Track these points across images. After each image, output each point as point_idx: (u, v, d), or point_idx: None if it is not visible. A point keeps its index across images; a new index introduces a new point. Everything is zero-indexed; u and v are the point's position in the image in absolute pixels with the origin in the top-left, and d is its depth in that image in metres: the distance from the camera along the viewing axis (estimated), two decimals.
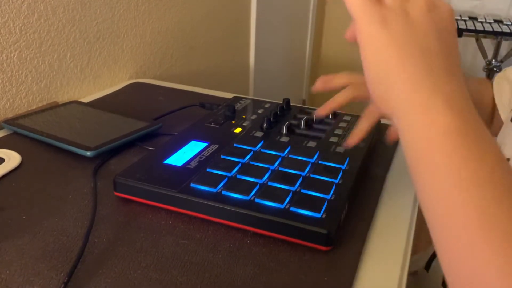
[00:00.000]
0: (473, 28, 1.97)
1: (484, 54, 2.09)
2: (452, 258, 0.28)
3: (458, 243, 0.27)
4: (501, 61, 2.08)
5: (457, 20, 2.04)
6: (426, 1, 0.32)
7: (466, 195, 0.27)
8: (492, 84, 0.68)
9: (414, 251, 0.50)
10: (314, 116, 0.59)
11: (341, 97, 0.57)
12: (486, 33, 1.97)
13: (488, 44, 2.10)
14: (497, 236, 0.26)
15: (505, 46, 2.08)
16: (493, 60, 2.07)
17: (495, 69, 2.07)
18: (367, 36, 0.32)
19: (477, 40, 2.07)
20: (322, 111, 0.58)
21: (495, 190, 0.27)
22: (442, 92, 0.29)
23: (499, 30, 1.95)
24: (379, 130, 0.71)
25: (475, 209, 0.27)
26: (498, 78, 0.68)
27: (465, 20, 2.04)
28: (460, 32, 1.98)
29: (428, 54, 0.30)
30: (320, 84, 0.58)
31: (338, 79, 0.58)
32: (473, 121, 0.29)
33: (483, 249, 0.26)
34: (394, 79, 0.30)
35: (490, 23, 2.02)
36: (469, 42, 2.21)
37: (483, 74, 2.11)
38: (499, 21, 2.04)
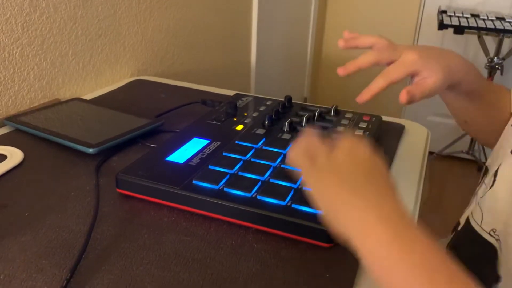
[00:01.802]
0: (475, 25, 1.96)
1: (486, 52, 2.08)
2: None
3: None
4: (503, 59, 2.07)
5: (459, 17, 2.04)
6: (346, 148, 0.41)
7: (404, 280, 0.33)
8: (505, 91, 0.68)
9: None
10: (338, 71, 0.57)
11: (364, 59, 0.56)
12: (488, 30, 1.96)
13: (490, 41, 2.09)
14: None
15: (507, 43, 2.08)
16: (495, 58, 2.06)
17: (497, 66, 2.06)
18: (312, 188, 0.40)
19: (479, 37, 2.06)
20: (342, 70, 0.56)
21: (426, 271, 0.33)
22: (372, 212, 0.36)
23: (501, 27, 1.95)
24: (381, 127, 0.71)
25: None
26: None
27: (467, 18, 2.04)
28: (462, 30, 1.98)
29: (358, 186, 0.38)
30: (343, 42, 0.58)
31: (363, 39, 0.58)
32: (402, 226, 0.35)
33: None
34: (338, 210, 0.37)
35: (492, 20, 2.02)
36: (471, 39, 2.21)
37: (484, 72, 2.10)
38: (501, 18, 2.04)
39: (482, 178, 0.63)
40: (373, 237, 0.35)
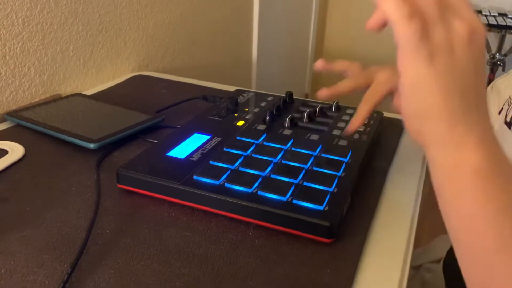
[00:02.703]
0: None
1: (488, 48, 2.08)
2: (473, 274, 0.33)
3: (479, 262, 0.32)
4: (505, 55, 2.06)
5: None
6: (468, 30, 0.32)
7: (489, 222, 0.31)
8: None
9: (417, 245, 0.50)
10: (318, 95, 0.59)
11: (343, 86, 0.58)
12: (490, 26, 1.96)
13: (492, 37, 2.08)
14: None
15: (509, 39, 2.07)
16: (497, 54, 2.06)
17: (499, 63, 2.06)
18: (412, 72, 0.33)
19: None
20: (323, 92, 0.58)
21: None
22: (476, 131, 0.31)
23: (504, 23, 1.94)
24: (382, 123, 0.71)
25: (496, 234, 0.31)
26: (489, 89, 0.68)
27: None
28: None
29: (466, 93, 0.32)
30: (320, 63, 0.60)
31: (337, 65, 0.60)
32: (500, 159, 0.32)
33: (500, 267, 0.31)
34: (433, 115, 0.32)
35: (494, 16, 2.01)
36: None
37: (487, 68, 2.10)
38: (503, 15, 2.03)
39: None
40: (464, 157, 0.31)
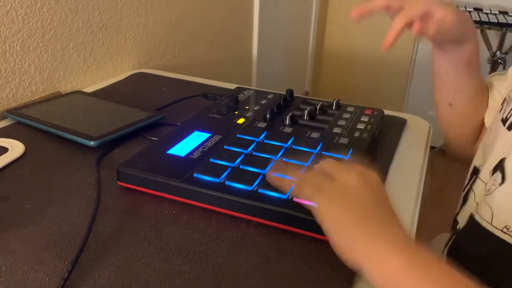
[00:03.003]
0: (478, 19, 1.95)
1: (488, 46, 2.07)
2: None
3: None
4: (506, 53, 2.06)
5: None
6: (356, 172, 0.40)
7: None
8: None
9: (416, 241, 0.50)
10: (351, 14, 0.58)
11: (376, 3, 0.58)
12: (491, 24, 1.95)
13: (493, 35, 2.08)
14: None
15: (510, 37, 2.07)
16: (498, 52, 2.05)
17: (499, 61, 2.05)
18: (324, 216, 0.39)
19: (481, 31, 2.05)
20: (355, 11, 0.58)
21: None
22: (386, 240, 0.36)
23: (504, 21, 1.94)
24: (383, 121, 0.71)
25: None
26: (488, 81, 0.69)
27: (469, 11, 2.03)
28: None
29: (370, 214, 0.38)
30: (355, 12, 0.59)
31: (376, 1, 0.59)
32: (415, 252, 0.36)
33: None
34: (351, 240, 0.38)
35: (495, 14, 2.01)
36: None
37: (487, 66, 2.10)
38: (504, 13, 2.03)
39: (472, 178, 0.63)
40: (387, 267, 0.36)
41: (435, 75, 0.68)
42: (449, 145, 0.76)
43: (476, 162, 0.64)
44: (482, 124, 0.68)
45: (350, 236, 0.38)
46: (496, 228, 0.54)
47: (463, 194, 0.65)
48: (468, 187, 0.64)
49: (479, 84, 0.67)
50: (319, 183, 0.41)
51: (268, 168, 0.52)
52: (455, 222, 0.65)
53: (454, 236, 0.64)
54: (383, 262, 0.36)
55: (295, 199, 0.45)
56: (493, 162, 0.57)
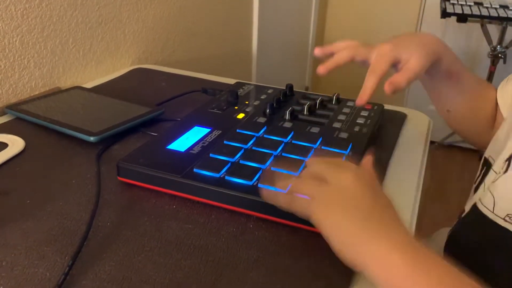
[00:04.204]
0: (478, 13, 1.95)
1: (489, 40, 2.07)
2: None
3: None
4: (506, 47, 2.05)
5: (462, 5, 2.02)
6: (348, 172, 0.41)
7: None
8: (490, 86, 0.69)
9: (416, 238, 0.50)
10: (318, 71, 0.59)
11: (340, 57, 0.59)
12: (491, 18, 1.95)
13: (493, 29, 2.07)
14: None
15: (510, 32, 2.06)
16: (498, 46, 2.05)
17: (500, 55, 2.05)
18: (321, 223, 0.39)
19: (482, 25, 2.04)
20: (322, 68, 0.58)
21: None
22: (387, 240, 0.37)
23: (505, 15, 1.93)
24: (382, 115, 0.71)
25: None
26: (504, 82, 0.68)
27: (470, 6, 2.02)
28: (465, 18, 1.96)
29: (367, 215, 0.38)
30: (318, 50, 0.61)
31: (336, 45, 0.61)
32: (416, 250, 0.37)
33: None
34: (351, 243, 0.38)
35: (495, 8, 2.00)
36: (474, 27, 2.19)
37: (487, 61, 2.09)
38: (504, 7, 2.02)
39: (483, 169, 0.63)
40: (390, 266, 0.36)
41: (424, 88, 0.68)
42: (464, 138, 0.77)
43: (487, 153, 0.64)
44: (491, 114, 0.68)
45: (349, 239, 0.38)
46: (498, 216, 0.54)
47: (474, 185, 0.65)
48: (479, 178, 0.64)
49: (473, 85, 0.67)
50: (311, 191, 0.41)
51: (265, 168, 0.52)
52: (462, 211, 0.65)
53: (456, 224, 0.64)
54: (385, 263, 0.36)
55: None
56: (506, 153, 0.57)
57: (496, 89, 0.68)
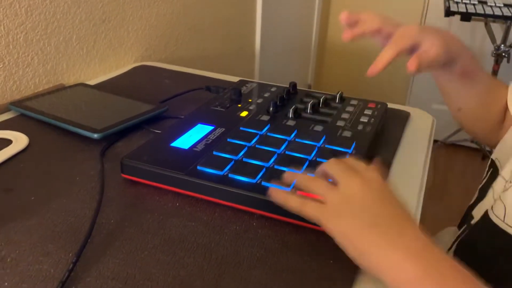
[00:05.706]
0: (482, 12, 1.94)
1: (493, 39, 2.06)
2: None
3: None
4: (510, 46, 2.04)
5: (466, 4, 2.01)
6: (357, 176, 0.40)
7: None
8: (502, 84, 0.69)
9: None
10: (343, 36, 0.58)
11: (369, 24, 0.58)
12: (495, 17, 1.94)
13: (497, 28, 2.06)
14: None
15: None
16: (502, 45, 2.04)
17: (503, 54, 2.04)
18: (333, 232, 0.39)
19: (486, 24, 2.03)
20: (348, 33, 0.58)
21: None
22: (398, 247, 0.36)
23: (509, 14, 1.92)
24: (386, 114, 0.71)
25: None
26: None
27: (474, 4, 2.01)
28: (469, 16, 1.95)
29: (378, 220, 0.38)
30: (346, 16, 0.60)
31: (369, 24, 0.59)
32: (430, 257, 0.36)
33: None
34: (364, 251, 0.38)
35: (499, 7, 1.99)
36: (478, 26, 2.18)
37: (491, 59, 2.08)
38: (508, 5, 2.01)
39: (489, 170, 0.63)
40: (404, 274, 0.35)
41: (437, 84, 0.68)
42: (474, 136, 0.77)
43: (494, 155, 0.64)
44: (502, 114, 0.68)
45: (360, 246, 0.38)
46: (508, 225, 0.53)
47: (479, 187, 0.65)
48: (485, 180, 0.63)
49: (486, 84, 0.67)
50: (321, 190, 0.41)
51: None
52: (469, 216, 0.64)
53: (466, 231, 0.63)
54: (397, 270, 0.36)
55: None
56: None
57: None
